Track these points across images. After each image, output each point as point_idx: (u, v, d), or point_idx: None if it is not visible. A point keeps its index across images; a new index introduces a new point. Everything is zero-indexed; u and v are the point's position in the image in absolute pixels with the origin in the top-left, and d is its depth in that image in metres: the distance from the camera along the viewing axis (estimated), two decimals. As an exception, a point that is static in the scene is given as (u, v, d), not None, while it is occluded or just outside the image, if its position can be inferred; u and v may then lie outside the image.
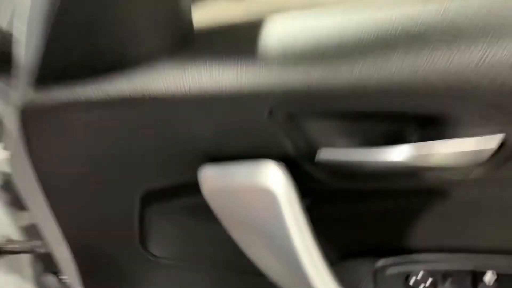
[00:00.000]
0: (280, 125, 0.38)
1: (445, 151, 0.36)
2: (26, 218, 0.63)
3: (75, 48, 0.37)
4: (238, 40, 0.39)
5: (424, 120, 0.36)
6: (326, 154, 0.39)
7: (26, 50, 0.40)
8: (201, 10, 0.45)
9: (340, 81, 0.34)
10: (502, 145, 0.35)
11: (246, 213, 0.42)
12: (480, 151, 0.35)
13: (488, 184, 0.42)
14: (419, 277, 0.50)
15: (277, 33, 0.38)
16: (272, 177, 0.38)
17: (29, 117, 0.42)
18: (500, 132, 0.35)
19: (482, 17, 0.32)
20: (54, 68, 0.39)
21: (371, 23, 0.35)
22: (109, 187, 0.46)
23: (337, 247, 0.52)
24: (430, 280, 0.50)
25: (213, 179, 0.41)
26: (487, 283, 0.48)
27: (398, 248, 0.51)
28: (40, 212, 0.49)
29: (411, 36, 0.33)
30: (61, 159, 0.45)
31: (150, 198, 0.48)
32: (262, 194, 0.38)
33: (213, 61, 0.37)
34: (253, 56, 0.37)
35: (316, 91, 0.34)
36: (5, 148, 0.63)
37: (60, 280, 0.68)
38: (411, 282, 0.51)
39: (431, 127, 0.37)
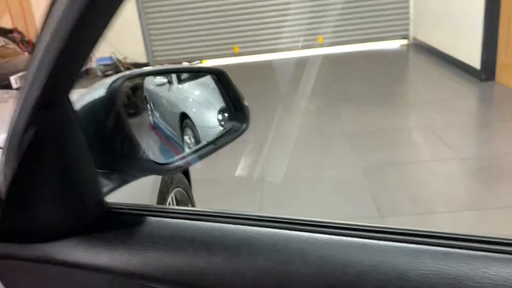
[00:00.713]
0: None
1: None
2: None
3: (15, 220, 0.54)
4: (128, 228, 0.53)
5: None
6: None
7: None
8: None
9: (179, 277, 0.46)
10: None
11: None
12: None
13: None
14: None
15: (160, 226, 0.52)
16: None
17: None
18: None
19: None
20: (7, 229, 0.55)
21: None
22: None
23: None
24: None
25: None
26: None
27: None
28: None
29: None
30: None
31: None
32: None
33: (106, 244, 0.52)
34: (128, 243, 0.51)
35: (164, 277, 0.47)
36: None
37: None
38: None
39: None
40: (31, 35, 7.03)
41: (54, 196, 0.52)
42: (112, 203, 0.57)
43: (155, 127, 1.00)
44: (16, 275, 0.57)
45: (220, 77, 0.71)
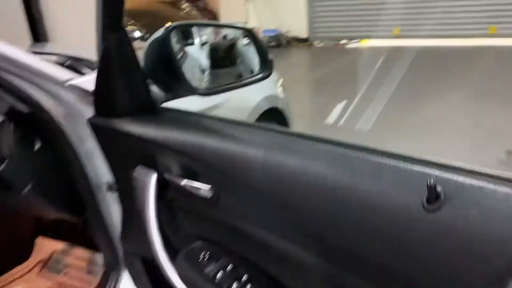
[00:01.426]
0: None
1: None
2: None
3: (103, 102, 0.87)
4: (163, 115, 0.85)
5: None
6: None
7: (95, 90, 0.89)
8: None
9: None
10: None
11: None
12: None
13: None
14: None
15: (183, 118, 0.84)
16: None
17: (92, 126, 0.89)
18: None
19: None
20: (100, 107, 0.87)
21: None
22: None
23: None
24: None
25: (140, 175, 0.84)
26: None
27: None
28: None
29: None
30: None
31: None
32: None
33: (144, 122, 0.83)
34: (157, 122, 0.82)
35: (175, 147, 0.77)
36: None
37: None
38: None
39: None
40: (212, 5, 8.00)
41: (117, 89, 0.83)
42: (162, 106, 0.88)
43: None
44: (102, 138, 0.91)
45: (250, 34, 0.99)
